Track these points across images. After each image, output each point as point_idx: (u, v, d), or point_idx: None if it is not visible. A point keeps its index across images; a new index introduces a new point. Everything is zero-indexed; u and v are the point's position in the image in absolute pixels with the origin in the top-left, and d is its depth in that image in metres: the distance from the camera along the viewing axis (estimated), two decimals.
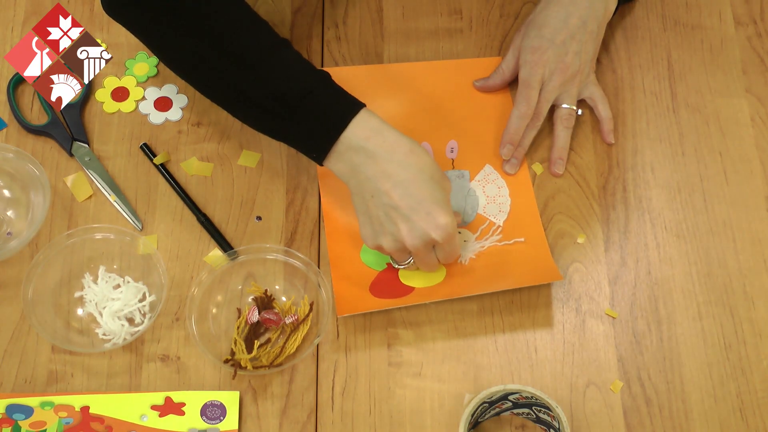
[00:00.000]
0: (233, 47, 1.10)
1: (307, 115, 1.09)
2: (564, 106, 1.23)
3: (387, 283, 1.17)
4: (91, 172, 1.22)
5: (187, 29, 1.10)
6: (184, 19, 1.10)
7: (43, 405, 1.10)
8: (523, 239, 1.19)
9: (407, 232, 1.09)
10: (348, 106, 1.10)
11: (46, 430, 1.09)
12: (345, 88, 1.23)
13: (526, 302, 1.17)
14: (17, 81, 1.27)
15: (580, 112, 1.25)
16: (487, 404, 1.08)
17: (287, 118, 1.10)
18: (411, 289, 1.17)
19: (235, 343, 1.13)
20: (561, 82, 1.22)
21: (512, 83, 1.28)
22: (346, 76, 1.27)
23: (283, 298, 1.17)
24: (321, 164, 1.12)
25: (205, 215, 1.20)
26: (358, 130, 1.08)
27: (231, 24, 1.10)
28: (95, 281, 1.16)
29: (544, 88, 1.22)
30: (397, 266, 1.17)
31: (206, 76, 1.13)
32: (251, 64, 1.10)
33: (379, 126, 1.09)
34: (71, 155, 1.23)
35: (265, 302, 1.15)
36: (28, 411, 1.10)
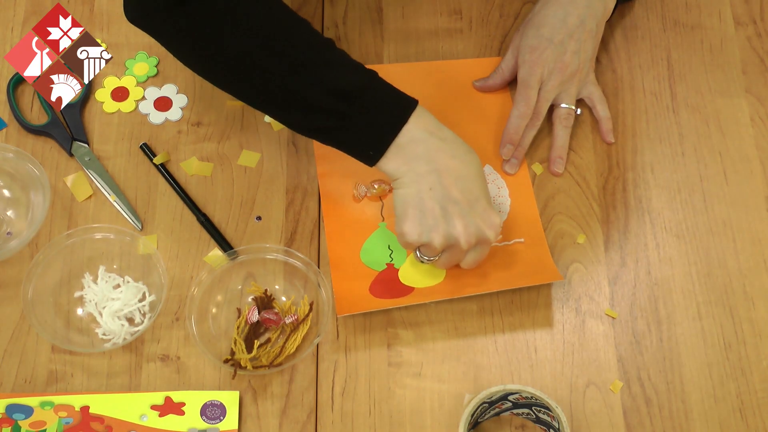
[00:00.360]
0: (282, 47, 1.07)
1: (367, 110, 1.08)
2: (563, 105, 1.23)
3: (387, 283, 1.17)
4: (91, 172, 1.22)
5: (233, 33, 1.06)
6: (229, 22, 1.06)
7: (43, 405, 1.10)
8: (522, 239, 1.19)
9: (463, 228, 1.08)
10: (406, 101, 1.09)
11: (46, 429, 1.09)
12: None
13: (526, 302, 1.17)
14: (17, 81, 1.27)
15: (578, 111, 1.25)
16: (486, 404, 1.08)
17: (345, 115, 1.08)
18: (411, 289, 1.17)
19: (235, 343, 1.13)
20: (560, 81, 1.22)
21: (512, 83, 1.28)
22: None
23: (283, 298, 1.17)
24: (377, 161, 1.09)
25: (205, 215, 1.20)
26: (420, 122, 1.08)
27: (277, 24, 1.07)
28: (95, 281, 1.16)
29: (543, 87, 1.22)
30: (424, 260, 1.14)
31: (255, 80, 1.09)
32: (303, 63, 1.07)
33: (437, 122, 1.10)
34: (71, 155, 1.23)
35: (265, 302, 1.15)
36: (28, 411, 1.10)
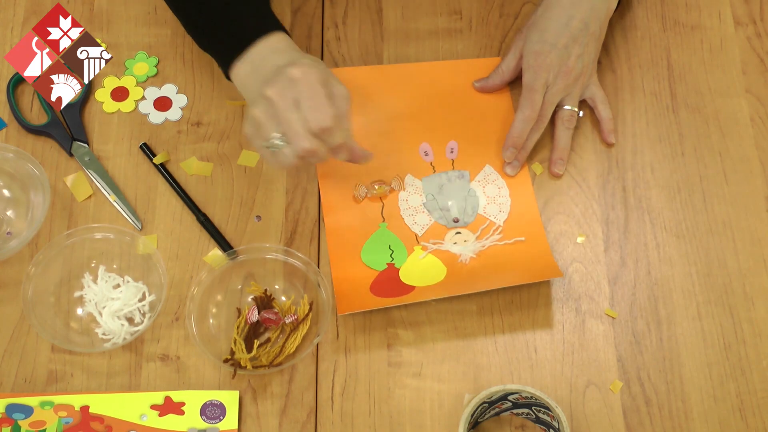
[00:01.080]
0: None
1: (227, 25, 1.14)
2: (566, 107, 1.23)
3: (387, 283, 1.17)
4: (90, 171, 1.22)
5: None
6: None
7: (42, 405, 1.10)
8: (523, 238, 1.19)
9: (302, 70, 1.06)
10: (263, 26, 1.13)
11: (45, 429, 1.09)
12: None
13: (525, 302, 1.17)
14: (17, 81, 1.27)
15: (581, 114, 1.25)
16: (486, 404, 1.08)
17: (202, 27, 1.16)
18: (412, 288, 1.17)
19: (235, 343, 1.13)
20: (564, 85, 1.22)
21: (511, 83, 1.28)
22: (346, 76, 1.27)
23: (283, 298, 1.17)
24: (229, 68, 1.13)
25: (204, 215, 1.20)
26: (269, 43, 1.11)
27: None
28: (95, 281, 1.16)
29: (548, 91, 1.21)
30: (267, 146, 1.08)
31: None
32: None
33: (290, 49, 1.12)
34: (71, 155, 1.23)
35: (264, 302, 1.15)
36: (27, 411, 1.10)
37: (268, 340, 1.14)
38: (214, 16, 1.15)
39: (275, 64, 1.09)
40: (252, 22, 1.14)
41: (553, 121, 1.24)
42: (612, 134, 1.25)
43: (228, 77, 1.14)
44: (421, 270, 1.18)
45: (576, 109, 1.24)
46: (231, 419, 1.10)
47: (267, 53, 1.11)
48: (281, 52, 1.11)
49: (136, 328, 1.14)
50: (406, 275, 1.18)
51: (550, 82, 1.21)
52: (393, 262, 1.19)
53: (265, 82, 1.07)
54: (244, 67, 1.12)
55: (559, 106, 1.24)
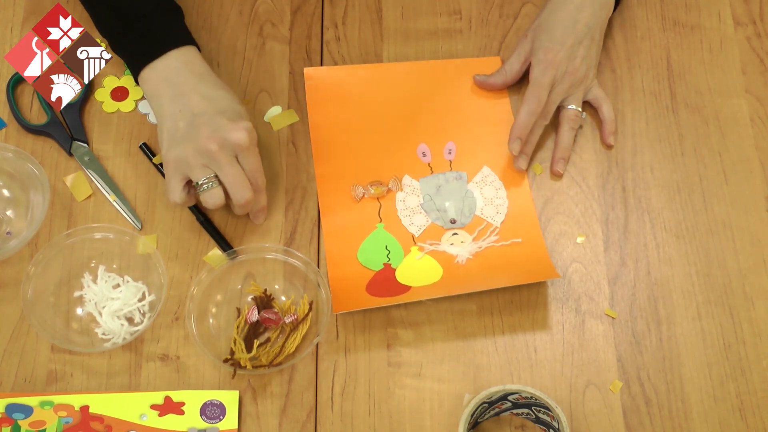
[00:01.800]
0: None
1: (137, 35, 1.16)
2: (570, 107, 1.24)
3: (384, 283, 1.17)
4: (90, 171, 1.22)
5: None
6: None
7: (42, 404, 1.10)
8: (520, 240, 1.19)
9: (208, 135, 1.11)
10: (174, 39, 1.16)
11: (45, 429, 1.09)
12: (342, 86, 1.23)
13: (525, 302, 1.17)
14: (17, 81, 1.27)
15: (584, 115, 1.26)
16: (486, 404, 1.08)
17: (118, 33, 1.17)
18: (407, 288, 1.17)
19: (235, 343, 1.13)
20: (569, 85, 1.22)
21: (511, 87, 1.28)
22: (344, 74, 1.27)
23: (283, 298, 1.17)
24: (136, 82, 1.17)
25: (204, 215, 1.20)
26: (180, 55, 1.15)
27: None
28: (95, 281, 1.16)
29: (554, 90, 1.22)
30: (198, 189, 1.13)
31: None
32: None
33: (202, 69, 1.16)
34: (71, 155, 1.23)
35: (264, 302, 1.15)
36: (27, 410, 1.10)
37: (268, 340, 1.14)
38: (129, 20, 1.17)
39: (186, 79, 1.14)
40: (166, 33, 1.17)
41: (556, 121, 1.25)
42: (612, 136, 1.25)
43: (137, 81, 1.17)
44: (417, 270, 1.18)
45: (580, 110, 1.24)
46: (231, 419, 1.10)
47: (179, 65, 1.15)
48: (193, 66, 1.15)
49: (135, 328, 1.14)
50: (403, 275, 1.18)
51: (557, 80, 1.22)
52: (389, 262, 1.19)
53: (192, 122, 1.12)
54: (154, 74, 1.15)
55: (563, 106, 1.24)
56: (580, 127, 1.25)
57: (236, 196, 1.13)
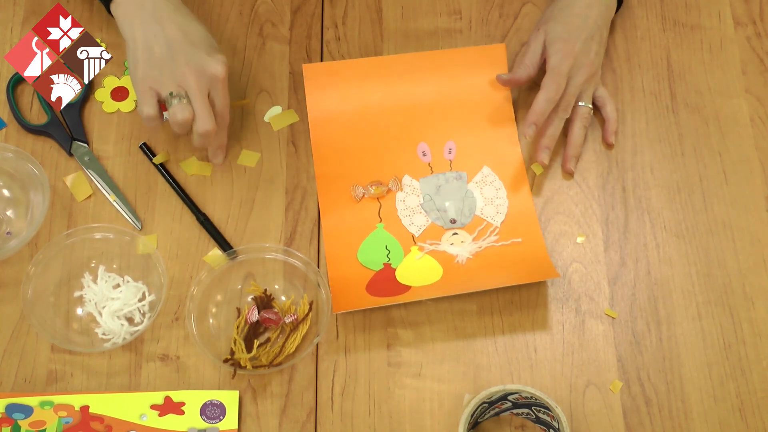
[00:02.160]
0: None
1: None
2: (581, 104, 1.23)
3: (384, 283, 1.17)
4: (90, 171, 1.22)
5: None
6: None
7: (42, 404, 1.10)
8: (520, 239, 1.19)
9: (185, 63, 1.12)
10: None
11: (45, 429, 1.09)
12: (342, 80, 1.22)
13: (525, 302, 1.17)
14: (17, 81, 1.27)
15: (592, 113, 1.25)
16: (486, 404, 1.08)
17: None
18: (407, 287, 1.17)
19: (235, 343, 1.13)
20: (585, 78, 1.22)
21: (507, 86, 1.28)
22: (343, 68, 1.26)
23: (283, 298, 1.17)
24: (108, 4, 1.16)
25: (204, 215, 1.20)
26: None
27: None
28: (95, 281, 1.16)
29: (571, 81, 1.21)
30: (169, 102, 1.14)
31: None
32: None
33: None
34: (71, 155, 1.23)
35: (264, 302, 1.15)
36: (27, 410, 1.10)
37: (268, 340, 1.14)
38: None
39: (160, 6, 1.14)
40: None
41: (568, 119, 1.24)
42: (614, 135, 1.25)
43: (109, 11, 1.17)
44: (417, 270, 1.18)
45: (591, 107, 1.24)
46: (231, 419, 1.10)
47: None
48: None
49: (135, 328, 1.14)
50: (403, 275, 1.17)
51: (573, 72, 1.21)
52: (389, 262, 1.19)
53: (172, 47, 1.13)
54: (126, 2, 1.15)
55: (576, 103, 1.23)
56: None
57: (199, 122, 1.13)
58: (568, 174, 1.23)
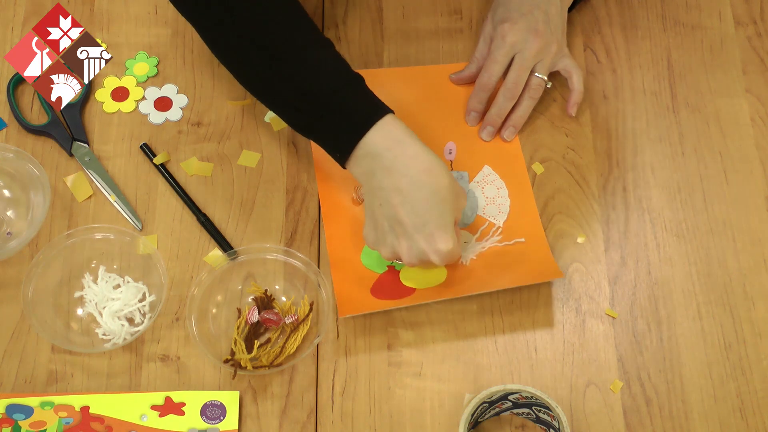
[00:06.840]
0: (268, 40, 1.09)
1: (332, 116, 1.09)
2: (536, 74, 1.23)
3: (388, 285, 1.17)
4: (91, 172, 1.22)
5: (231, 18, 1.09)
6: (229, 8, 1.09)
7: (43, 405, 1.10)
8: (523, 239, 1.19)
9: (406, 250, 1.10)
10: (373, 110, 1.09)
11: (46, 430, 1.09)
12: None
13: (526, 302, 1.17)
14: (17, 81, 1.27)
15: (549, 84, 1.25)
16: (487, 404, 1.08)
17: (313, 117, 1.10)
18: (412, 290, 1.16)
19: (235, 343, 1.13)
20: (537, 50, 1.22)
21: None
22: None
23: (283, 298, 1.17)
24: (344, 167, 1.11)
25: (205, 215, 1.20)
26: (378, 137, 1.08)
27: (271, 18, 1.09)
28: (95, 281, 1.16)
29: (520, 55, 1.22)
30: (394, 263, 1.17)
31: (242, 68, 1.13)
32: (282, 58, 1.09)
33: (402, 136, 1.08)
34: (71, 155, 1.23)
35: (265, 302, 1.15)
36: (28, 411, 1.10)
37: (269, 340, 1.14)
38: (320, 103, 1.10)
39: (396, 157, 1.07)
40: (363, 108, 1.10)
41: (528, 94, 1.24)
42: (576, 107, 1.25)
43: (343, 166, 1.12)
44: (421, 272, 1.17)
45: (545, 78, 1.23)
46: (231, 420, 1.10)
47: (389, 143, 1.08)
48: (400, 137, 1.08)
49: (136, 329, 1.14)
50: (407, 277, 1.17)
51: (519, 47, 1.22)
52: (393, 264, 1.18)
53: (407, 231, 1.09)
54: (364, 160, 1.09)
55: (530, 73, 1.24)
56: (577, 126, 1.25)
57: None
58: (504, 142, 1.25)
